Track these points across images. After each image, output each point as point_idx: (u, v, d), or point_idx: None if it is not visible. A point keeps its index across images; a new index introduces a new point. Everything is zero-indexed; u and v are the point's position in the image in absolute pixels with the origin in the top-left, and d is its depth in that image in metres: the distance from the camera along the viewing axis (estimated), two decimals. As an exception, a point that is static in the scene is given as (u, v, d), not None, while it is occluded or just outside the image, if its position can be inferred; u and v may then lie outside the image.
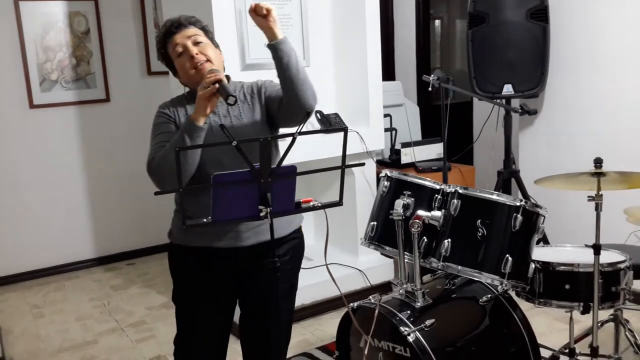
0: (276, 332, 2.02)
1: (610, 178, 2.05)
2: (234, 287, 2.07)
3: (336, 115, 3.77)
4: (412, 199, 2.28)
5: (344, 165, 1.62)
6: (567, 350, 2.43)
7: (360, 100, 3.78)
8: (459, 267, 2.13)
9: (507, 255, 2.06)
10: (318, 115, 3.72)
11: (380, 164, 4.12)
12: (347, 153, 3.84)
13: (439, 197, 2.26)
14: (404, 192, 2.31)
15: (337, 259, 3.88)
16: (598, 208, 2.02)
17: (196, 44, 1.93)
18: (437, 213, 2.19)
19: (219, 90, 1.79)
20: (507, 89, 3.71)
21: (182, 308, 2.10)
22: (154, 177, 1.82)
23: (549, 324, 3.27)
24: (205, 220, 1.55)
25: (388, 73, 6.37)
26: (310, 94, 1.91)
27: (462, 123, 5.39)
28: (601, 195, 1.99)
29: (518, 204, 2.07)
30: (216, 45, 2.02)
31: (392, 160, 4.13)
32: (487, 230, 2.07)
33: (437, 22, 7.60)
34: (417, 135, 4.37)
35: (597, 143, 3.61)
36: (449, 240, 2.13)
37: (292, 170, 1.55)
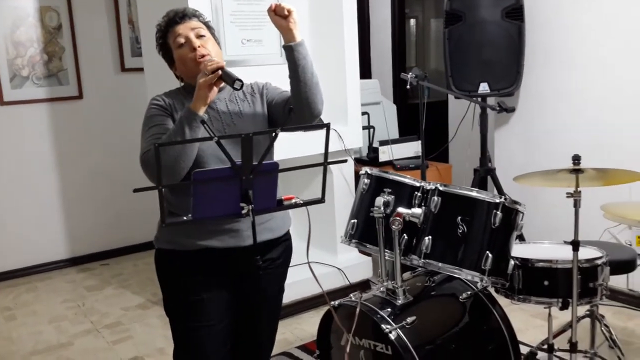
0: (267, 333, 1.99)
1: (588, 175, 2.08)
2: (233, 289, 1.95)
3: (314, 113, 3.76)
4: (393, 197, 2.27)
5: (326, 162, 1.60)
6: (545, 346, 2.44)
7: (339, 99, 3.77)
8: (440, 264, 2.13)
9: (487, 252, 2.07)
10: (296, 113, 3.70)
11: (358, 161, 4.12)
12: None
13: (419, 194, 2.26)
14: (384, 189, 2.30)
15: (316, 257, 3.84)
16: (577, 205, 2.04)
17: (199, 37, 1.87)
18: (418, 210, 2.19)
19: (222, 77, 1.73)
20: (483, 88, 3.74)
21: (181, 320, 1.93)
22: (149, 171, 1.70)
23: (526, 320, 3.31)
24: (185, 218, 1.52)
25: (364, 71, 6.38)
26: (319, 99, 1.87)
27: (438, 121, 5.43)
28: (579, 192, 2.01)
29: (498, 200, 2.08)
30: (217, 42, 1.97)
31: (370, 158, 4.13)
32: (467, 227, 2.07)
33: (412, 22, 7.64)
34: (395, 134, 4.38)
35: (572, 140, 3.66)
36: (430, 237, 2.13)
37: (274, 167, 1.53)
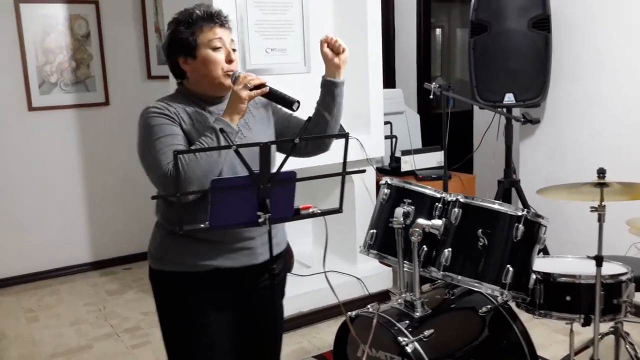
0: (274, 346, 1.95)
1: (613, 189, 2.03)
2: (238, 308, 1.90)
3: (336, 122, 3.75)
4: (412, 207, 2.25)
5: (344, 172, 1.59)
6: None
7: (361, 108, 3.77)
8: (460, 277, 2.10)
9: (508, 266, 2.04)
10: (318, 121, 3.70)
11: (380, 171, 4.10)
12: (347, 160, 3.84)
13: (440, 205, 2.23)
14: (404, 200, 2.28)
15: (335, 266, 3.85)
16: (601, 219, 2.00)
17: (233, 50, 1.81)
18: (438, 222, 2.16)
19: (270, 95, 1.74)
20: (509, 98, 3.70)
21: (183, 341, 1.86)
22: (174, 183, 1.53)
23: (548, 336, 3.24)
24: (202, 225, 1.52)
25: (389, 81, 6.36)
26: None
27: (462, 132, 5.38)
28: (604, 206, 1.97)
29: (520, 213, 2.04)
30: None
31: (392, 167, 4.11)
32: (488, 240, 2.04)
33: (438, 31, 7.60)
34: (418, 143, 4.36)
35: (598, 153, 3.59)
36: (450, 249, 2.11)
37: (291, 176, 1.52)
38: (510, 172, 3.91)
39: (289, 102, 1.74)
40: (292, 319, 3.47)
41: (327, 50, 1.85)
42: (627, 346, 2.69)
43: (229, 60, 1.77)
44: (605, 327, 2.87)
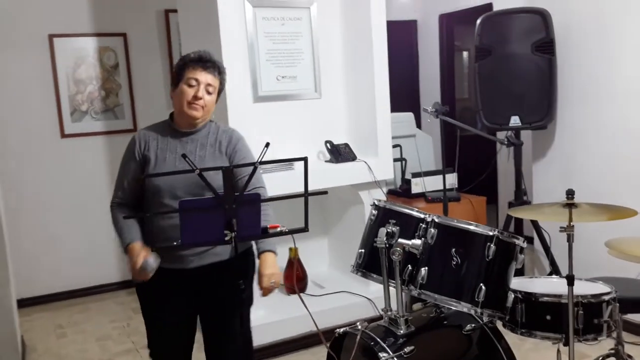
0: (232, 345, 2.26)
1: (582, 209, 2.07)
2: (193, 303, 2.30)
3: (346, 145, 3.88)
4: (398, 228, 2.33)
5: (306, 193, 1.70)
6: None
7: (369, 132, 3.88)
8: (436, 296, 2.17)
9: (481, 284, 2.10)
10: (328, 145, 3.83)
11: (392, 193, 4.19)
12: (356, 182, 3.95)
13: (423, 225, 2.31)
14: (390, 220, 2.37)
15: (348, 287, 3.93)
16: (570, 239, 2.04)
17: (207, 92, 2.19)
18: (417, 241, 2.24)
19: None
20: (514, 121, 3.74)
21: (149, 321, 2.36)
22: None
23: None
24: (175, 243, 1.66)
25: (413, 103, 6.45)
26: None
27: (483, 153, 5.41)
28: (572, 226, 2.01)
29: (491, 233, 2.11)
30: (219, 93, 2.27)
31: (402, 190, 4.19)
32: (461, 259, 2.11)
33: (465, 54, 7.66)
34: (430, 166, 4.42)
35: (609, 174, 3.59)
36: (426, 268, 2.18)
37: (255, 198, 1.65)
38: (520, 194, 3.94)
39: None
40: (304, 338, 3.57)
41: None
42: (628, 368, 2.68)
43: (194, 97, 2.15)
44: (603, 348, 2.88)
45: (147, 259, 2.02)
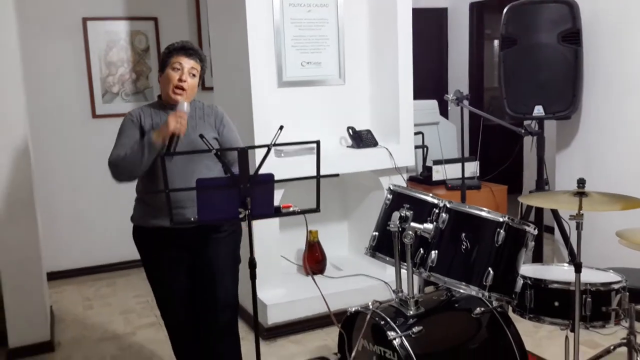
0: (221, 293, 2.49)
1: (593, 199, 2.10)
2: (189, 255, 2.51)
3: (368, 131, 3.92)
4: (411, 212, 2.39)
5: (319, 176, 1.77)
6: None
7: (392, 119, 3.92)
8: (446, 279, 2.23)
9: (490, 269, 2.14)
10: (350, 131, 3.89)
11: (413, 180, 4.22)
12: (377, 168, 4.00)
13: (436, 211, 2.36)
14: (404, 205, 2.42)
15: (365, 270, 4.00)
16: (579, 227, 2.07)
17: (191, 74, 2.42)
18: (429, 225, 2.29)
19: (172, 137, 2.28)
20: (538, 110, 3.74)
21: (153, 275, 2.59)
22: (113, 170, 2.40)
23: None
24: (192, 219, 1.75)
25: (440, 91, 6.44)
26: None
27: (509, 143, 5.40)
28: (582, 214, 2.04)
29: (501, 220, 2.15)
30: (200, 77, 2.50)
31: (423, 177, 4.22)
32: (470, 243, 2.16)
33: (495, 43, 7.59)
34: (453, 154, 4.44)
35: (631, 166, 3.57)
36: (436, 252, 2.24)
37: (269, 178, 1.72)
38: (542, 184, 3.94)
39: (169, 146, 2.26)
40: (319, 318, 3.66)
41: None
42: (639, 359, 2.69)
43: (180, 79, 2.39)
44: (614, 338, 2.89)
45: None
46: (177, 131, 2.26)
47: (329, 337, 3.59)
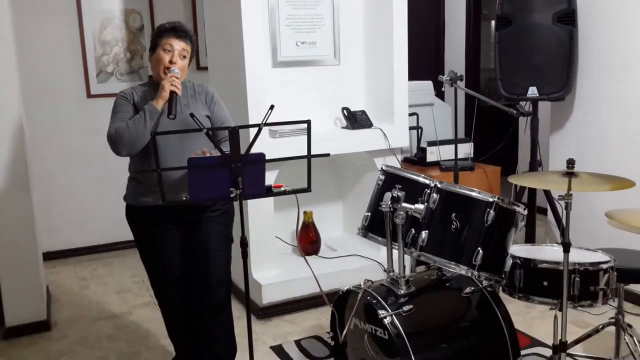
0: (214, 271, 2.52)
1: (582, 179, 2.11)
2: (182, 233, 2.55)
3: (363, 112, 3.92)
4: (403, 193, 2.41)
5: (309, 155, 1.78)
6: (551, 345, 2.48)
7: (386, 99, 3.92)
8: (436, 258, 2.25)
9: (479, 248, 2.17)
10: (345, 111, 3.89)
11: (407, 161, 4.24)
12: (371, 149, 4.00)
13: (427, 191, 2.38)
14: (396, 185, 2.44)
15: (360, 250, 4.02)
16: (568, 207, 2.08)
17: (181, 56, 2.44)
18: (420, 206, 2.31)
19: (172, 97, 2.32)
20: (532, 91, 3.74)
21: (146, 254, 2.63)
22: (113, 143, 2.38)
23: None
24: (184, 198, 1.76)
25: (437, 71, 6.42)
26: None
27: (504, 124, 5.41)
28: (571, 195, 2.06)
29: (491, 200, 2.16)
30: (190, 58, 2.52)
31: (417, 158, 4.23)
32: (460, 223, 2.18)
33: (492, 23, 7.55)
34: (448, 135, 4.44)
35: (625, 147, 3.58)
36: (427, 231, 2.26)
37: (260, 158, 1.73)
38: (535, 165, 3.95)
39: (170, 109, 2.28)
40: (313, 297, 3.69)
41: None
42: (626, 338, 2.73)
43: (170, 61, 2.41)
44: (603, 317, 2.93)
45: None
46: (174, 89, 2.29)
47: (323, 317, 3.63)
